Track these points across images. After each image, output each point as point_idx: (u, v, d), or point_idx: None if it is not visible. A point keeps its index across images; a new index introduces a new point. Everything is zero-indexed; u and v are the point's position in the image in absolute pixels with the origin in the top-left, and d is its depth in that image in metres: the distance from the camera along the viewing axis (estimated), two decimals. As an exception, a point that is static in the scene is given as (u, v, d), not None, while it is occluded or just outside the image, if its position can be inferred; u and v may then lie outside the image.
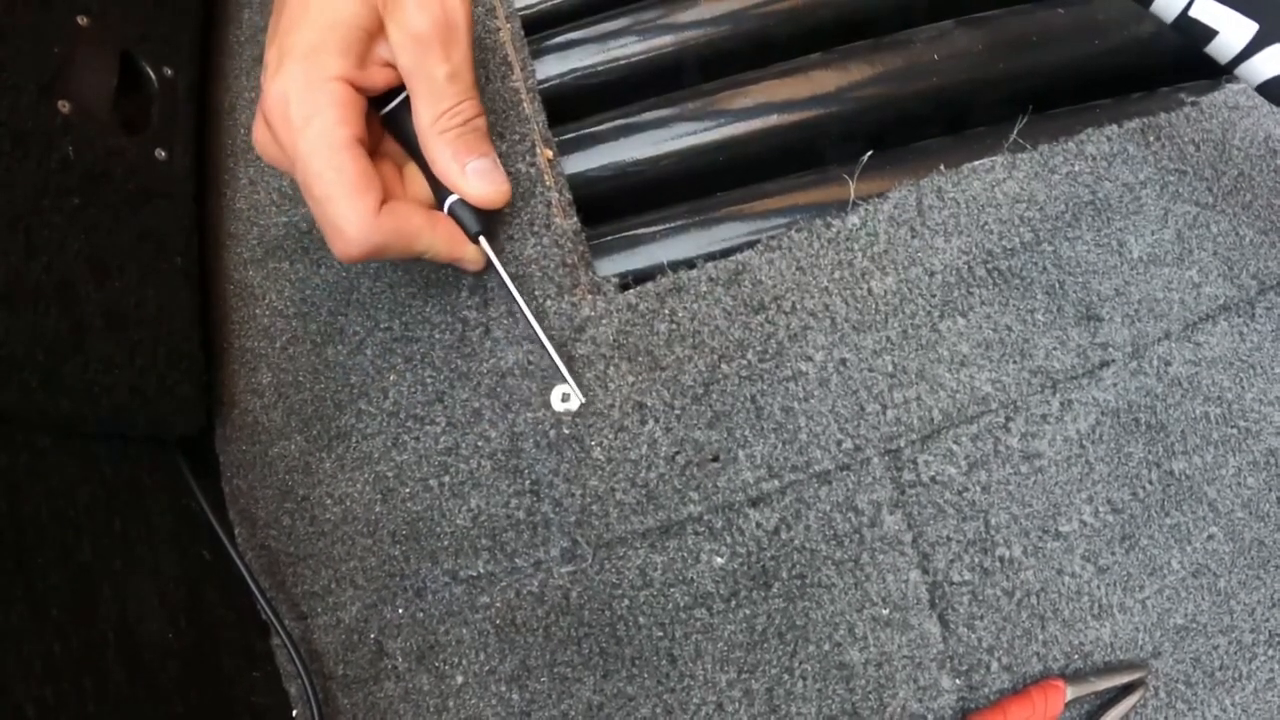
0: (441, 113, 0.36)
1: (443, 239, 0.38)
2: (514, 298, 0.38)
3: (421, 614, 0.40)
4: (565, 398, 0.39)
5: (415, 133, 0.37)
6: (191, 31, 0.49)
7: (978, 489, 0.37)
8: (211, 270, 0.47)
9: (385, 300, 0.43)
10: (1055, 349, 0.38)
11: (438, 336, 0.42)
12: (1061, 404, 0.38)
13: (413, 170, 0.39)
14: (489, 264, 0.39)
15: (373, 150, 0.39)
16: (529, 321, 0.38)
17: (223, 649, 0.39)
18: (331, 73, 0.34)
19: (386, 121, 0.38)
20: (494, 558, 0.39)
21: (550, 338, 0.40)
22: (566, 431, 0.39)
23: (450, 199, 0.38)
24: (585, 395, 0.39)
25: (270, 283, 0.46)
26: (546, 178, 0.43)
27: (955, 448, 0.38)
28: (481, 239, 0.38)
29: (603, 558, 0.39)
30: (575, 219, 0.43)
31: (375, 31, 0.35)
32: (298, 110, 0.33)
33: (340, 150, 0.34)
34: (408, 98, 0.37)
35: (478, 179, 0.38)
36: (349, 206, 0.34)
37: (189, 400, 0.41)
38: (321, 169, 0.34)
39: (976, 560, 0.37)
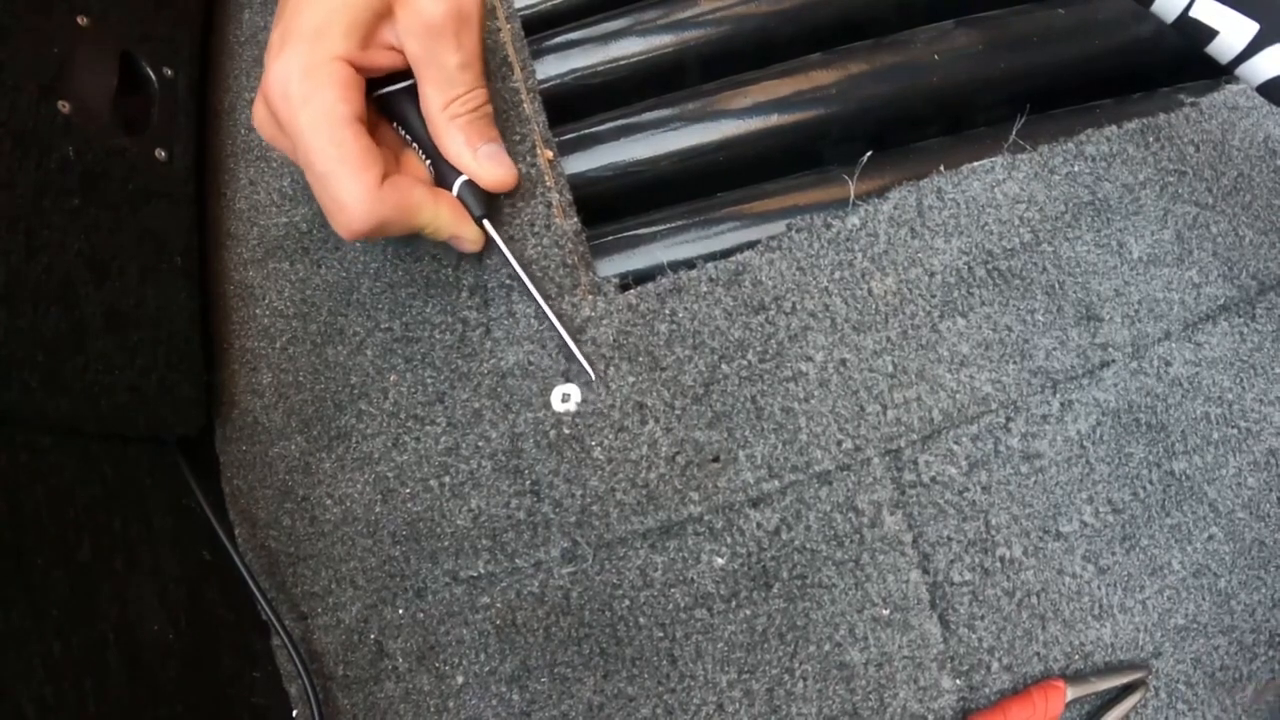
0: (453, 99, 0.37)
1: (445, 213, 0.38)
2: (518, 273, 0.39)
3: (422, 614, 0.40)
4: (565, 398, 0.39)
5: (417, 118, 0.38)
6: (191, 31, 0.49)
7: (978, 489, 0.37)
8: (211, 270, 0.47)
9: (385, 301, 0.43)
10: (1055, 349, 0.38)
11: (438, 337, 0.42)
12: (1062, 404, 0.38)
13: (408, 156, 0.40)
14: (494, 246, 0.40)
15: (370, 133, 0.39)
16: (533, 295, 0.39)
17: (223, 649, 0.39)
18: (334, 52, 0.34)
19: (381, 104, 0.39)
20: (494, 558, 0.39)
21: (552, 333, 0.40)
22: (567, 432, 0.39)
23: (459, 181, 0.38)
24: (586, 395, 0.39)
25: (270, 283, 0.46)
26: (547, 178, 0.43)
27: (955, 448, 0.38)
28: (486, 222, 0.39)
29: (603, 558, 0.39)
30: (576, 219, 0.43)
31: (383, 14, 0.35)
32: (298, 88, 0.34)
33: (341, 126, 0.34)
34: (409, 85, 0.37)
35: (490, 162, 0.39)
36: (351, 180, 0.34)
37: (189, 400, 0.41)
38: (323, 145, 0.34)
39: (977, 560, 0.37)
